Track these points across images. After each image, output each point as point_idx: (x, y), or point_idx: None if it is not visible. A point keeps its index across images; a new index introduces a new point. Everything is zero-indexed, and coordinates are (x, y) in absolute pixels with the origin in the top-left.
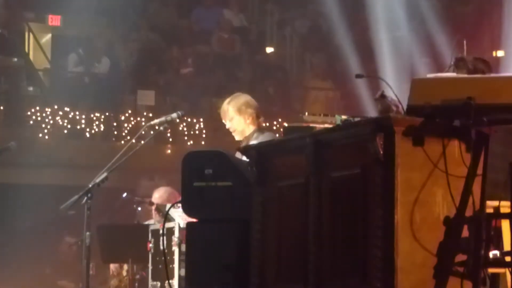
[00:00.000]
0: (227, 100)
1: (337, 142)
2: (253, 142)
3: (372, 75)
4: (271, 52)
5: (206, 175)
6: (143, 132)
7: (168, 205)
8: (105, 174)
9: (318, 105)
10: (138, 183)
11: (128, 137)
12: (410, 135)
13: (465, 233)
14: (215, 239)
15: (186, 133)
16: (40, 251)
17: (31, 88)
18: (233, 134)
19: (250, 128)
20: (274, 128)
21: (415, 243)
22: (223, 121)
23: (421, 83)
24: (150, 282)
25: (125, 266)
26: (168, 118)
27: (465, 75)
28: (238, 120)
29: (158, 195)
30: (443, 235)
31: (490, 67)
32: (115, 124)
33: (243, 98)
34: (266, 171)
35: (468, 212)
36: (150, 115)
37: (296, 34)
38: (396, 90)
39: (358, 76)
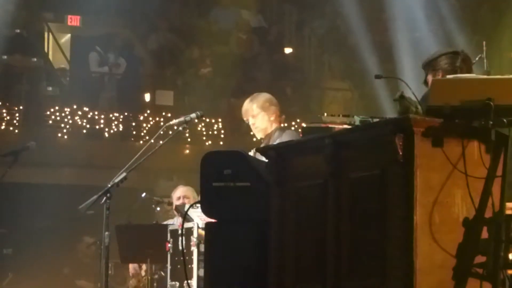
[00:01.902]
0: (248, 99)
1: (356, 142)
2: (274, 140)
3: (391, 76)
4: (289, 53)
5: (225, 176)
6: (161, 132)
7: (187, 205)
8: (124, 174)
9: (336, 106)
10: (157, 183)
11: (147, 137)
12: (429, 136)
13: (484, 234)
14: (234, 239)
15: (204, 133)
16: (59, 251)
17: (50, 88)
18: (255, 131)
19: (272, 126)
20: (292, 128)
21: (434, 244)
22: (245, 119)
23: (440, 83)
24: (169, 282)
25: (144, 266)
26: (187, 118)
27: (485, 76)
28: (262, 117)
29: (180, 190)
30: (462, 236)
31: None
32: (134, 124)
33: (264, 96)
34: (284, 171)
35: (488, 214)
36: (169, 115)
37: (314, 34)
38: (415, 91)
39: (377, 76)
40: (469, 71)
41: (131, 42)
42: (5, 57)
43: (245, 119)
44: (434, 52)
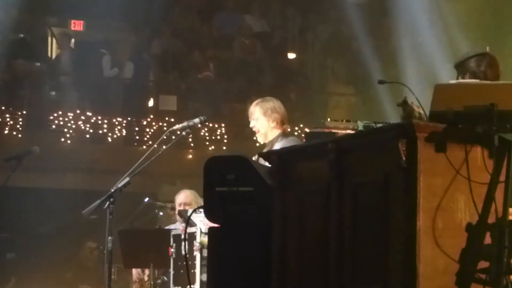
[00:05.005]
0: (256, 101)
1: (359, 148)
2: (276, 145)
3: (395, 81)
4: (293, 58)
5: (228, 180)
6: (165, 137)
7: (190, 210)
8: (127, 179)
9: (340, 111)
10: (160, 188)
11: (150, 142)
12: (432, 141)
13: (488, 240)
14: (237, 244)
15: (207, 138)
16: (62, 256)
17: (53, 93)
18: (257, 135)
19: (274, 132)
20: (296, 133)
21: (437, 249)
22: (250, 120)
23: (443, 89)
24: (172, 287)
25: (147, 271)
26: (190, 123)
27: (488, 81)
28: (263, 122)
29: (183, 196)
30: (465, 242)
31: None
32: (137, 129)
33: (271, 102)
34: (287, 176)
35: (491, 219)
36: (172, 120)
37: (318, 39)
38: (418, 96)
39: (380, 81)
40: (495, 75)
41: (134, 47)
42: None
43: (250, 120)
44: (466, 52)
